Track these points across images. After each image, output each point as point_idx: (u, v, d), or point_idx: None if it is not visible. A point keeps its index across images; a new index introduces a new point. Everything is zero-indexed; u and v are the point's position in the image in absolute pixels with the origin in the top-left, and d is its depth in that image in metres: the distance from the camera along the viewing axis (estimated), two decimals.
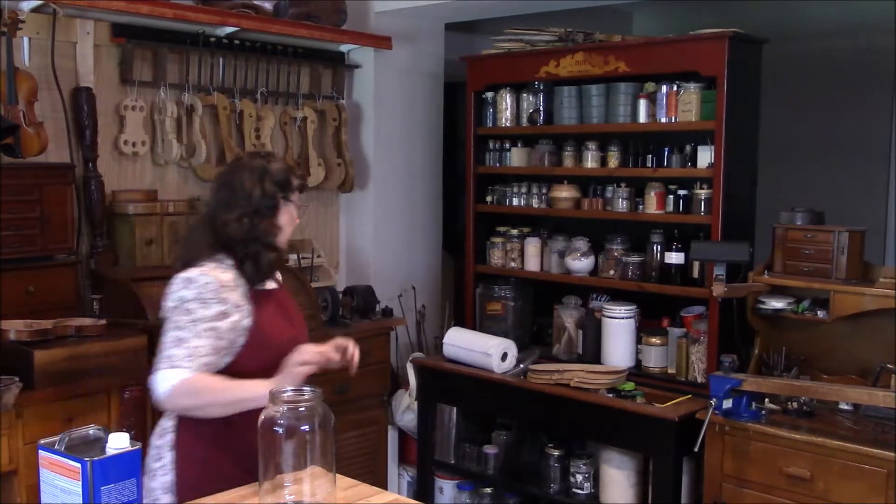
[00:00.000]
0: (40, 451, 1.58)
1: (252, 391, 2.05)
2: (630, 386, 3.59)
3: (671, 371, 3.75)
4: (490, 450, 4.08)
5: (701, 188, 3.61)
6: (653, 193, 3.77)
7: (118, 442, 1.56)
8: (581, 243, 4.00)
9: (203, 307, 2.11)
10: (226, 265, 2.19)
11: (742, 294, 3.37)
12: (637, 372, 3.76)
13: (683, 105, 3.64)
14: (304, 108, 4.21)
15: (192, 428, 2.20)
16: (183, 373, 2.07)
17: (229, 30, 3.83)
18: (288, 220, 2.28)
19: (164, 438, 2.26)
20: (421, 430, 4.18)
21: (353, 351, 2.21)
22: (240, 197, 2.21)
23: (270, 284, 2.29)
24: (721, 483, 3.21)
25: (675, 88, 3.68)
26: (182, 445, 2.21)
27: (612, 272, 3.92)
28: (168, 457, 2.22)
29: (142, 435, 2.98)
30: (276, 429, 1.75)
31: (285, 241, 2.32)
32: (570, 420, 3.65)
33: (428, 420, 4.13)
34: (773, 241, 3.40)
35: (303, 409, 1.77)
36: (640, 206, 3.83)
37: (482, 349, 3.84)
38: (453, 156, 4.89)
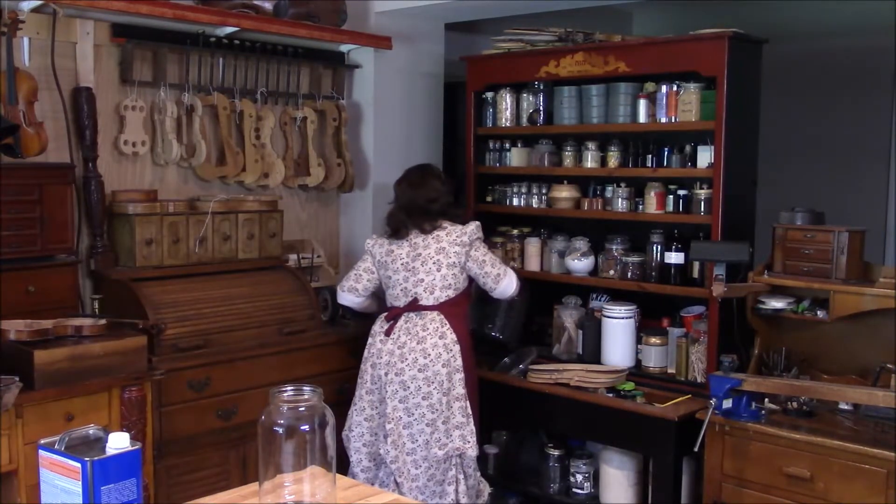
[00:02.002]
0: (40, 451, 1.58)
1: None
2: (630, 386, 3.60)
3: (671, 371, 3.75)
4: (490, 450, 4.08)
5: (701, 188, 3.61)
6: (653, 193, 3.77)
7: (118, 442, 1.56)
8: (581, 243, 4.00)
9: None
10: None
11: (742, 294, 3.37)
12: (637, 372, 3.76)
13: (683, 105, 3.64)
14: (304, 108, 4.21)
15: (459, 326, 3.51)
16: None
17: (229, 30, 3.83)
18: None
19: (446, 338, 3.47)
20: None
21: None
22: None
23: None
24: (721, 483, 3.21)
25: (675, 88, 3.68)
26: (462, 341, 3.50)
27: (612, 272, 3.92)
28: (455, 349, 3.47)
29: (142, 435, 2.99)
30: (276, 429, 1.75)
31: None
32: (570, 420, 3.65)
33: None
34: (773, 241, 3.40)
35: (303, 409, 1.77)
36: (640, 206, 3.83)
37: None
38: (453, 156, 4.89)
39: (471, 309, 3.67)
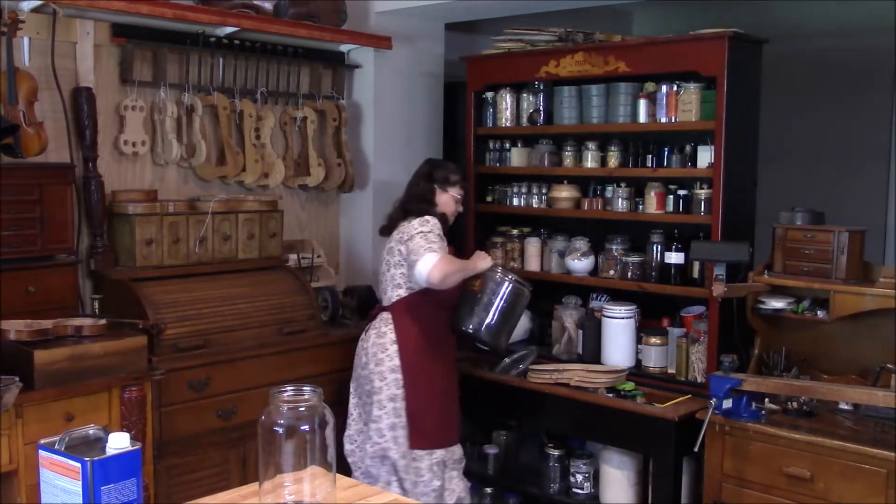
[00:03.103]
0: (40, 451, 1.58)
1: (467, 263, 3.45)
2: (630, 386, 3.60)
3: (671, 371, 3.75)
4: (490, 450, 4.08)
5: (701, 188, 3.61)
6: (653, 193, 3.77)
7: (118, 442, 1.56)
8: (581, 243, 4.00)
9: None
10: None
11: (742, 294, 3.37)
12: (637, 372, 3.76)
13: (683, 105, 3.64)
14: (304, 108, 4.21)
15: (404, 325, 3.42)
16: (439, 254, 3.30)
17: (229, 30, 3.83)
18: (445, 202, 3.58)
19: (384, 338, 3.43)
20: None
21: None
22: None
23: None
24: (721, 483, 3.21)
25: (675, 88, 3.68)
26: (401, 340, 3.42)
27: (612, 272, 3.92)
28: (392, 348, 3.41)
29: (142, 435, 2.98)
30: (276, 429, 1.75)
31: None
32: (570, 420, 3.65)
33: None
34: (773, 241, 3.40)
35: (303, 409, 1.77)
36: (640, 206, 3.83)
37: None
38: (453, 156, 4.89)
39: (458, 308, 3.49)
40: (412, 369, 3.41)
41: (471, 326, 3.44)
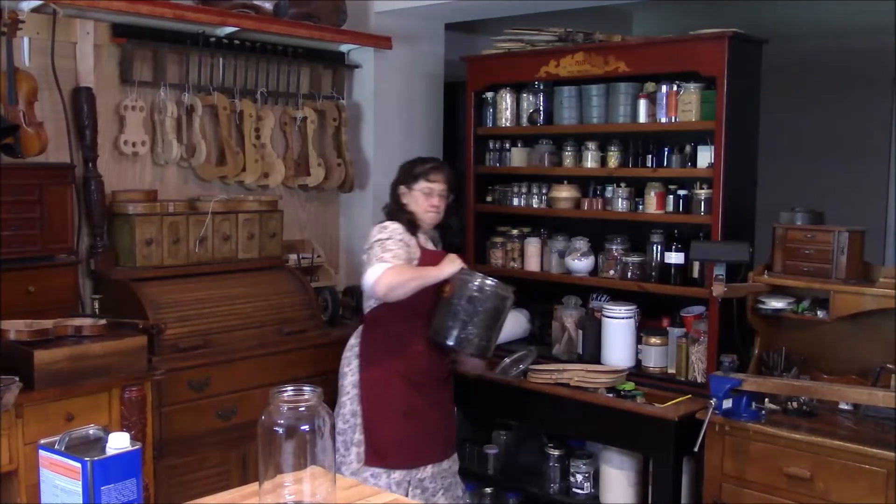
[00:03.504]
0: (40, 451, 1.58)
1: (426, 270, 3.12)
2: (630, 386, 3.60)
3: (671, 371, 3.75)
4: (490, 450, 4.08)
5: (701, 188, 3.61)
6: (653, 193, 3.77)
7: (118, 442, 1.56)
8: (581, 243, 4.00)
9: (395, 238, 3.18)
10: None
11: (742, 294, 3.37)
12: (637, 372, 3.76)
13: (683, 105, 3.64)
14: (304, 108, 4.21)
15: (370, 339, 3.26)
16: (389, 264, 3.06)
17: (229, 30, 3.83)
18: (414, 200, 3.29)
19: (351, 350, 3.30)
20: None
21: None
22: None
23: (425, 244, 3.31)
24: (721, 483, 3.21)
25: (675, 88, 3.68)
26: (364, 354, 3.26)
27: (612, 272, 3.92)
28: (355, 363, 3.28)
29: (142, 435, 2.98)
30: (276, 429, 1.75)
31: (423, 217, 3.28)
32: (570, 420, 3.65)
33: None
34: (773, 241, 3.40)
35: (303, 409, 1.77)
36: (640, 206, 3.83)
37: None
38: (453, 156, 4.89)
39: (433, 318, 3.20)
40: (371, 385, 3.24)
41: (447, 340, 3.14)
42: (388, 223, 3.22)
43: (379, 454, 3.22)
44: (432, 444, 3.32)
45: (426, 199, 3.25)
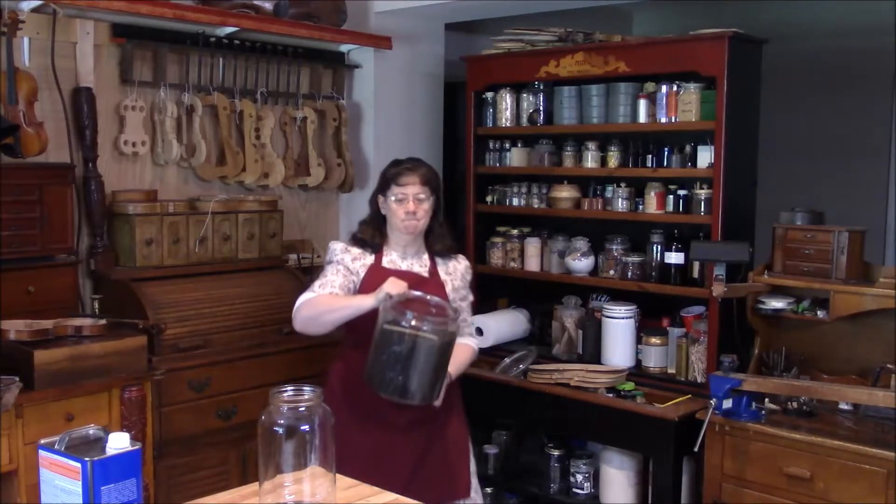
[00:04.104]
0: (40, 451, 1.58)
1: (348, 300, 2.71)
2: (630, 386, 3.60)
3: (671, 371, 3.75)
4: (490, 450, 4.08)
5: (701, 188, 3.61)
6: (653, 193, 3.77)
7: (118, 442, 1.56)
8: (581, 243, 4.00)
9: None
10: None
11: (742, 294, 3.37)
12: (637, 372, 3.76)
13: (683, 105, 3.64)
14: (304, 108, 4.21)
15: (334, 372, 2.88)
16: (313, 294, 2.74)
17: (229, 30, 3.83)
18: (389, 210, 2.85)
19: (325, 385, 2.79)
20: None
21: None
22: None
23: (393, 263, 2.86)
24: (721, 483, 3.21)
25: (675, 88, 3.68)
26: (328, 385, 2.81)
27: (612, 272, 3.92)
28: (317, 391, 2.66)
29: (142, 435, 2.98)
30: (276, 429, 1.75)
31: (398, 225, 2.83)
32: (570, 420, 3.65)
33: None
34: (773, 241, 3.40)
35: (303, 409, 1.77)
36: (640, 206, 3.83)
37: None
38: (453, 156, 4.89)
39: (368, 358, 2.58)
40: (342, 423, 2.60)
41: (377, 388, 2.56)
42: (333, 243, 2.90)
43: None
44: (422, 487, 2.70)
45: (400, 206, 2.80)
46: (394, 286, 2.56)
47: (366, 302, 2.61)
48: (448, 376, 2.68)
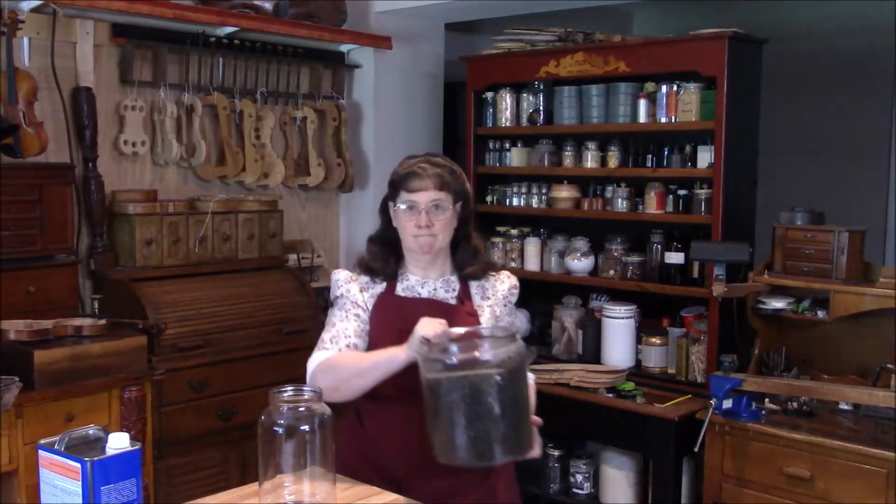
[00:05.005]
0: (40, 451, 1.59)
1: (376, 358, 2.07)
2: (630, 386, 3.60)
3: (671, 371, 3.75)
4: None
5: (701, 188, 3.61)
6: (653, 193, 3.77)
7: (118, 442, 1.56)
8: (581, 243, 4.00)
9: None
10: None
11: (742, 294, 3.37)
12: (637, 372, 3.76)
13: (683, 105, 3.64)
14: (304, 108, 4.21)
15: (346, 430, 2.28)
16: (322, 357, 2.16)
17: (229, 30, 3.83)
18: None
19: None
20: None
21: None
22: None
23: (411, 290, 2.25)
24: (721, 483, 3.21)
25: (675, 88, 3.68)
26: (339, 445, 2.18)
27: (612, 272, 3.92)
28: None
29: (142, 435, 2.98)
30: (276, 429, 1.75)
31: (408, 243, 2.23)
32: (570, 420, 3.65)
33: None
34: (773, 241, 3.40)
35: (303, 409, 1.77)
36: (640, 206, 3.83)
37: None
38: (453, 156, 4.86)
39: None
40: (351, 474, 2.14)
41: (444, 458, 1.92)
42: (337, 273, 2.30)
43: None
44: None
45: (410, 218, 2.19)
46: (429, 327, 1.97)
47: (398, 357, 2.02)
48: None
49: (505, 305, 2.31)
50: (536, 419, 2.06)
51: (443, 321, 2.00)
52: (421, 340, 1.94)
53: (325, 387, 2.01)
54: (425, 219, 2.17)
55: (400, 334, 2.03)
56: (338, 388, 2.09)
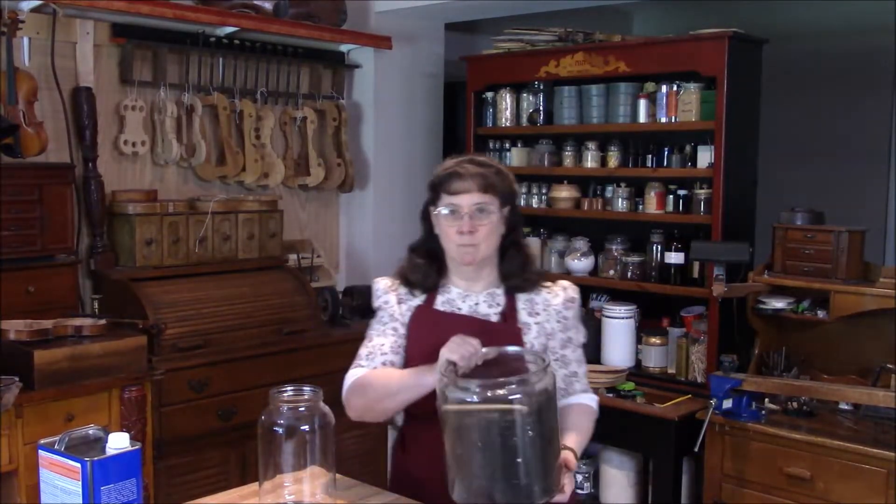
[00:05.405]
0: (40, 451, 1.59)
1: (405, 380, 1.94)
2: (630, 386, 3.60)
3: (671, 371, 3.75)
4: None
5: (701, 188, 3.61)
6: (653, 193, 3.77)
7: (118, 442, 1.56)
8: (581, 243, 4.00)
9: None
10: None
11: (742, 294, 3.37)
12: (637, 372, 3.76)
13: (683, 105, 3.64)
14: (304, 108, 4.21)
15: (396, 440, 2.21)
16: (356, 375, 2.05)
17: (229, 30, 3.83)
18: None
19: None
20: None
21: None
22: None
23: (450, 304, 2.09)
24: (721, 483, 3.21)
25: (675, 88, 3.68)
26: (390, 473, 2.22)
27: (612, 272, 3.92)
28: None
29: (142, 435, 2.98)
30: (276, 429, 1.75)
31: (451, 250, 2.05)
32: None
33: None
34: (773, 241, 3.40)
35: (303, 409, 1.78)
36: (640, 206, 3.84)
37: None
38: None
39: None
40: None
41: (455, 494, 1.77)
42: (378, 281, 2.17)
43: None
44: None
45: (450, 223, 2.02)
46: (456, 349, 1.80)
47: (425, 380, 1.88)
48: (569, 452, 1.87)
49: (559, 321, 2.08)
50: (569, 460, 1.85)
51: (476, 341, 1.83)
52: (445, 365, 1.79)
53: (358, 407, 2.01)
54: (468, 224, 1.99)
55: (434, 352, 1.85)
56: (371, 408, 2.02)
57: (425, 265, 2.09)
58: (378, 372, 2.04)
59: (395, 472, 2.17)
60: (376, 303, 2.15)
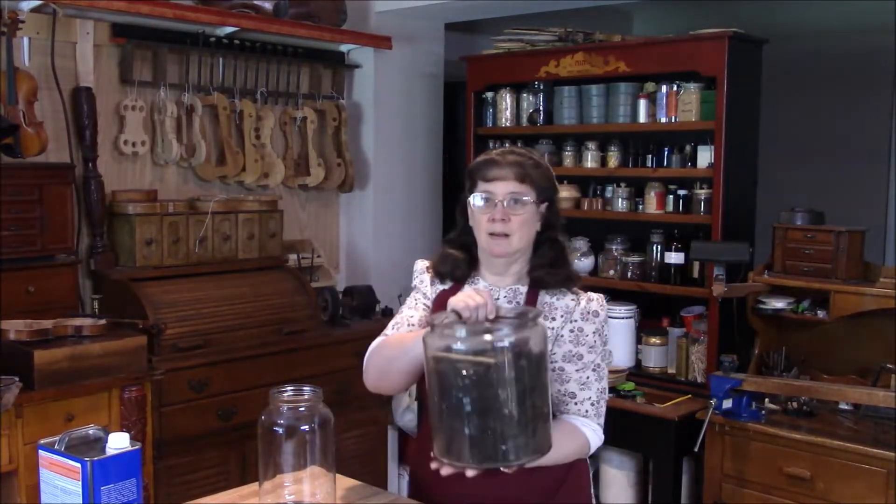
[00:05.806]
0: (40, 451, 1.59)
1: (403, 339, 1.91)
2: (630, 386, 3.60)
3: (671, 371, 3.76)
4: None
5: (701, 188, 3.61)
6: (653, 193, 3.77)
7: (118, 442, 1.56)
8: (581, 243, 4.00)
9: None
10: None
11: (742, 294, 3.37)
12: (637, 372, 3.76)
13: (683, 105, 3.64)
14: (304, 108, 4.21)
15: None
16: (380, 338, 2.02)
17: (229, 30, 3.83)
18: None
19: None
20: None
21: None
22: None
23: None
24: (721, 483, 3.21)
25: (675, 88, 3.68)
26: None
27: (611, 272, 3.92)
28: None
29: (142, 435, 2.98)
30: (276, 429, 1.75)
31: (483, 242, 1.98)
32: None
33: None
34: (773, 241, 3.40)
35: (303, 409, 1.77)
36: (640, 206, 3.84)
37: None
38: (453, 156, 4.88)
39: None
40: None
41: (438, 453, 1.69)
42: (419, 263, 2.16)
43: None
44: None
45: (484, 211, 1.94)
46: (466, 298, 1.73)
47: (414, 343, 1.82)
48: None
49: (572, 331, 1.94)
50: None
51: (487, 294, 1.74)
52: (450, 316, 1.70)
53: (374, 372, 1.96)
54: (501, 211, 1.91)
55: None
56: (385, 370, 1.94)
57: (456, 257, 2.04)
58: (394, 335, 2.01)
59: (413, 474, 2.12)
60: (413, 282, 2.13)
